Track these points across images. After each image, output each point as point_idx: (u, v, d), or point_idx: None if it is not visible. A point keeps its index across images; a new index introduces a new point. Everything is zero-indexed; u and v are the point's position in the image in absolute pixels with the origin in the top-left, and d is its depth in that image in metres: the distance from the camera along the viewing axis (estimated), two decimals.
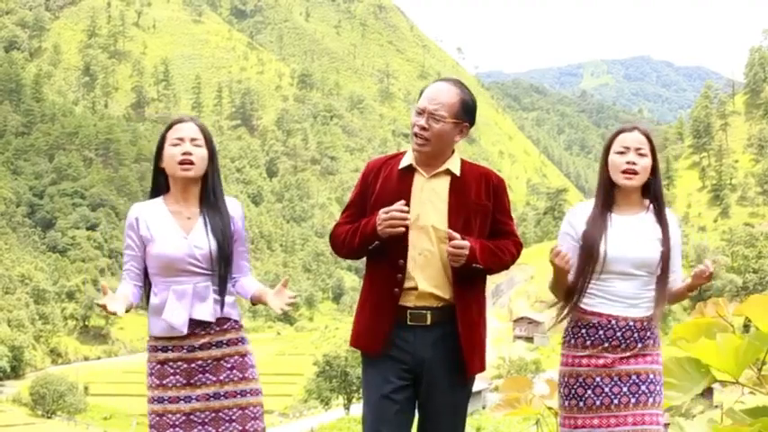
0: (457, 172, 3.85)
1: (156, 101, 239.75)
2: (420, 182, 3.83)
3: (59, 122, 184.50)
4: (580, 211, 3.87)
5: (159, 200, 3.85)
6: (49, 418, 78.96)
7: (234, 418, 3.75)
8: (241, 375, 3.78)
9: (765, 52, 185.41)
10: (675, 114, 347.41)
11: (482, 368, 3.89)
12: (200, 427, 3.72)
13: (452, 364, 3.81)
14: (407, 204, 3.77)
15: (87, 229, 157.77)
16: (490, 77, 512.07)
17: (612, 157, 3.78)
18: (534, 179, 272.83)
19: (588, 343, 3.75)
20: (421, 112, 3.79)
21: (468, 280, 3.81)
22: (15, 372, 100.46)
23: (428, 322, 3.78)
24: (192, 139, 3.78)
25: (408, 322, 3.77)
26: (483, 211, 3.85)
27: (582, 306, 3.77)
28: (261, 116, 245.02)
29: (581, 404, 3.75)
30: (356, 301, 4.00)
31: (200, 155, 3.77)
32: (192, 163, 3.75)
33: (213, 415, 3.73)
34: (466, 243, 3.69)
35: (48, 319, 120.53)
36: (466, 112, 3.83)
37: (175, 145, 3.77)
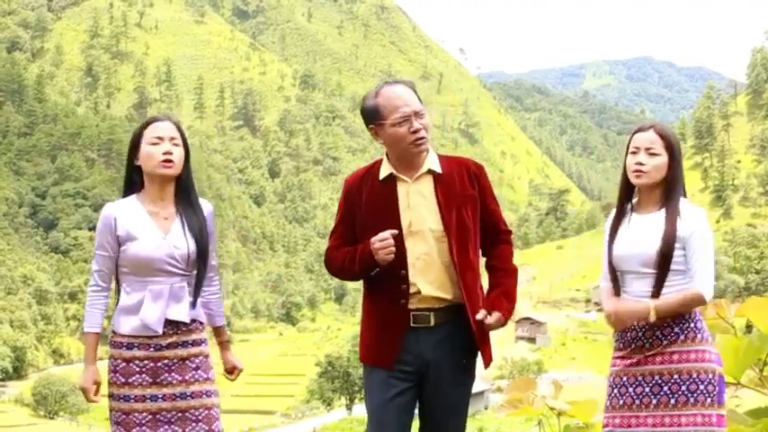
0: (438, 169, 3.85)
1: (159, 101, 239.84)
2: (404, 188, 3.82)
3: (62, 123, 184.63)
4: (611, 216, 3.93)
5: (133, 199, 3.86)
6: (51, 418, 79.11)
7: (200, 417, 3.75)
8: (206, 376, 3.80)
9: (767, 53, 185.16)
10: (677, 115, 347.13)
11: (492, 358, 3.93)
12: (166, 427, 3.72)
13: (456, 363, 3.82)
14: (398, 213, 3.78)
15: (89, 229, 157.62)
16: (492, 78, 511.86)
17: (627, 158, 3.84)
18: (536, 180, 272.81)
19: (621, 345, 3.80)
20: (407, 118, 3.77)
21: (470, 277, 3.83)
22: (18, 372, 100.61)
23: (432, 324, 3.78)
24: (171, 138, 3.79)
25: (411, 324, 3.77)
26: (471, 200, 3.85)
27: None
28: (263, 117, 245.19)
29: (607, 403, 3.80)
30: (358, 302, 4.00)
31: (178, 154, 3.79)
32: (172, 162, 3.77)
33: (180, 414, 3.73)
34: (498, 316, 3.79)
35: (50, 320, 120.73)
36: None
37: (154, 144, 3.77)
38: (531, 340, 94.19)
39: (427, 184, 3.83)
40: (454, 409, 3.87)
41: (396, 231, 3.71)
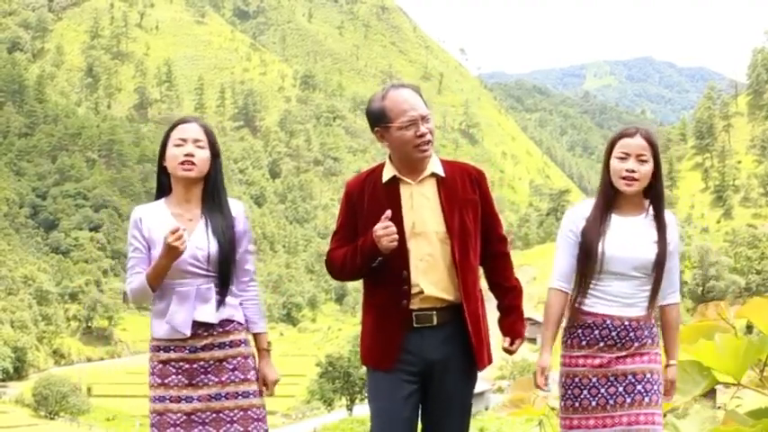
0: (441, 173, 3.88)
1: (159, 102, 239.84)
2: (408, 190, 3.85)
3: (62, 123, 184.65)
4: (581, 209, 3.88)
5: (161, 202, 3.85)
6: (51, 419, 79.00)
7: (235, 419, 3.74)
8: (243, 377, 3.78)
9: None
10: (678, 115, 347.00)
11: (490, 361, 3.92)
12: (200, 427, 3.72)
13: (460, 363, 3.84)
14: (401, 215, 3.80)
15: (90, 230, 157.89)
16: (493, 78, 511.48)
17: (613, 162, 3.78)
18: (537, 180, 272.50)
19: (584, 343, 3.77)
20: (414, 122, 3.80)
21: (471, 279, 3.85)
22: (18, 373, 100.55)
23: (434, 323, 3.80)
24: (195, 140, 3.78)
25: (414, 324, 3.79)
26: (473, 205, 3.88)
27: (578, 306, 3.80)
28: (264, 117, 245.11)
29: (576, 404, 3.76)
30: (359, 302, 4.02)
31: (201, 156, 3.77)
32: (193, 164, 3.76)
33: (214, 415, 3.73)
34: (520, 342, 3.91)
35: (50, 321, 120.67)
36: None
37: (178, 145, 3.77)
38: (532, 341, 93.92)
39: (430, 187, 3.86)
40: (458, 408, 3.89)
41: (389, 221, 3.72)
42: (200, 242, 3.75)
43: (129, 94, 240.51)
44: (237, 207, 3.88)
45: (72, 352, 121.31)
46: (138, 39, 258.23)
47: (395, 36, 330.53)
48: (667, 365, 3.82)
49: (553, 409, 4.69)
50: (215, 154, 3.84)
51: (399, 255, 3.75)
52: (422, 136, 3.79)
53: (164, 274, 3.69)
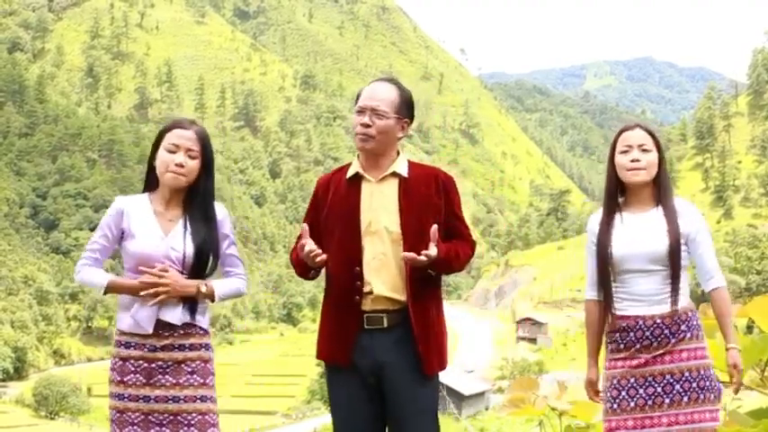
0: (404, 173, 3.85)
1: (160, 102, 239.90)
2: (368, 188, 3.84)
3: (62, 123, 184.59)
4: (596, 216, 3.91)
5: (145, 197, 3.84)
6: (52, 419, 79.09)
7: (193, 422, 3.72)
8: (202, 381, 3.77)
9: None
10: (678, 115, 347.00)
11: (441, 367, 3.85)
12: (157, 428, 3.71)
13: (413, 365, 3.78)
14: (359, 212, 3.81)
15: (90, 230, 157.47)
16: (493, 78, 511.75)
17: (618, 158, 3.82)
18: (537, 180, 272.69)
19: (622, 346, 3.77)
20: (362, 111, 3.81)
21: (422, 280, 3.80)
22: (18, 373, 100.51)
23: (385, 325, 3.77)
24: (188, 150, 3.74)
25: (365, 326, 3.78)
26: (435, 209, 3.83)
27: (613, 311, 3.80)
28: (264, 117, 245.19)
29: (614, 406, 3.76)
30: None
31: (191, 166, 3.75)
32: (183, 175, 3.74)
33: (171, 417, 3.72)
34: (432, 254, 3.66)
35: (51, 321, 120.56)
36: (406, 108, 3.88)
37: (170, 151, 3.74)
38: (532, 341, 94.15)
39: (391, 187, 3.84)
40: (418, 410, 3.82)
41: (311, 243, 3.74)
42: (177, 244, 3.75)
43: (130, 94, 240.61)
44: (220, 211, 3.85)
45: (72, 352, 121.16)
46: (138, 39, 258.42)
47: (395, 36, 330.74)
48: (727, 349, 3.76)
49: (553, 409, 4.68)
50: (207, 163, 3.80)
51: (354, 252, 3.77)
52: (362, 125, 3.80)
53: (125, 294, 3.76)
